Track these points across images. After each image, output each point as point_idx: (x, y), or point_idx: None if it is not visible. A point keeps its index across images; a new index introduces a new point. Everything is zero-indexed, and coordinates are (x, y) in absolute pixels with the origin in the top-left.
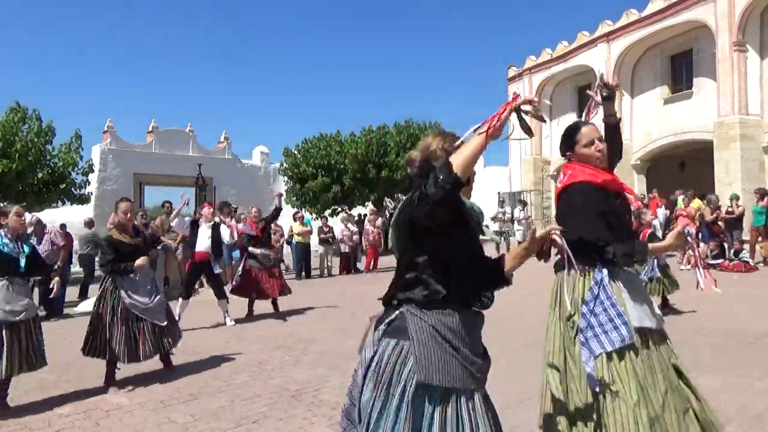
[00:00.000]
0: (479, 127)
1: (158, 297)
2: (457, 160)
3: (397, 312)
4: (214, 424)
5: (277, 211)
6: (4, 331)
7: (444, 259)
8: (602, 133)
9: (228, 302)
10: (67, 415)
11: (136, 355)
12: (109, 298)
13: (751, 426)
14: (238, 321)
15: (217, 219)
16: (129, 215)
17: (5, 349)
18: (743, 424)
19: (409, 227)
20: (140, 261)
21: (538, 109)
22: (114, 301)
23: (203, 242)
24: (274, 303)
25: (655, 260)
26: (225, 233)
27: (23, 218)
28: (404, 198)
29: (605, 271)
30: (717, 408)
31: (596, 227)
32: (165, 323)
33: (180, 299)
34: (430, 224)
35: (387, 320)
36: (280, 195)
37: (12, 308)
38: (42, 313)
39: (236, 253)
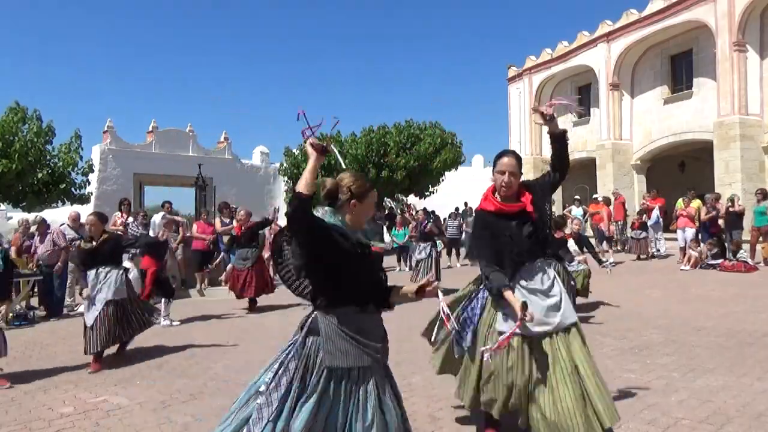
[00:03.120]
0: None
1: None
2: (300, 182)
3: (312, 315)
4: (214, 424)
5: (266, 221)
6: None
7: (327, 274)
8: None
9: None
10: (67, 415)
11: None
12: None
13: (751, 426)
14: (243, 320)
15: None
16: (90, 227)
17: None
18: (743, 424)
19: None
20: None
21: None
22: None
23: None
24: (251, 302)
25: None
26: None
27: None
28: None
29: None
30: (717, 408)
31: (483, 251)
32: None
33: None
34: (298, 244)
35: (305, 322)
36: (276, 210)
37: None
38: (41, 313)
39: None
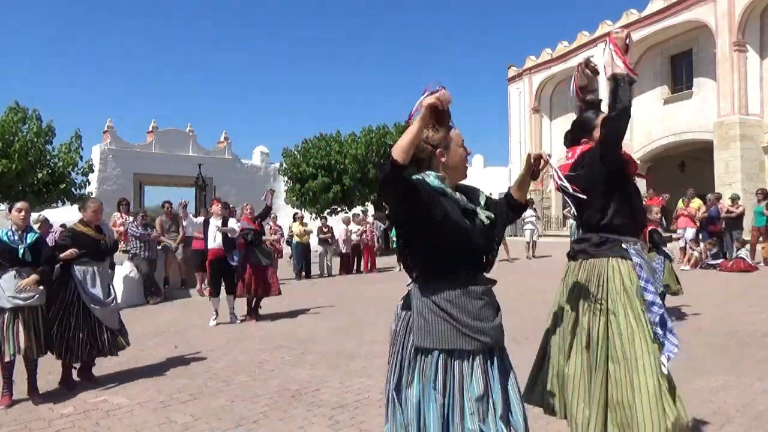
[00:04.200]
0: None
1: (114, 302)
2: (396, 145)
3: (409, 288)
4: (214, 424)
5: (267, 209)
6: (10, 316)
7: (426, 242)
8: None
9: (235, 299)
10: (67, 415)
11: (89, 356)
12: (67, 295)
13: (751, 426)
14: (243, 320)
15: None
16: (98, 215)
17: (12, 332)
18: (743, 424)
19: (395, 216)
20: (29, 279)
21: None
22: (70, 299)
23: (217, 239)
24: (256, 302)
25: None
26: (233, 224)
27: (22, 213)
28: None
29: (633, 250)
30: (717, 408)
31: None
32: (117, 326)
33: (210, 298)
34: (392, 210)
35: (404, 295)
36: (272, 192)
37: (19, 295)
38: None
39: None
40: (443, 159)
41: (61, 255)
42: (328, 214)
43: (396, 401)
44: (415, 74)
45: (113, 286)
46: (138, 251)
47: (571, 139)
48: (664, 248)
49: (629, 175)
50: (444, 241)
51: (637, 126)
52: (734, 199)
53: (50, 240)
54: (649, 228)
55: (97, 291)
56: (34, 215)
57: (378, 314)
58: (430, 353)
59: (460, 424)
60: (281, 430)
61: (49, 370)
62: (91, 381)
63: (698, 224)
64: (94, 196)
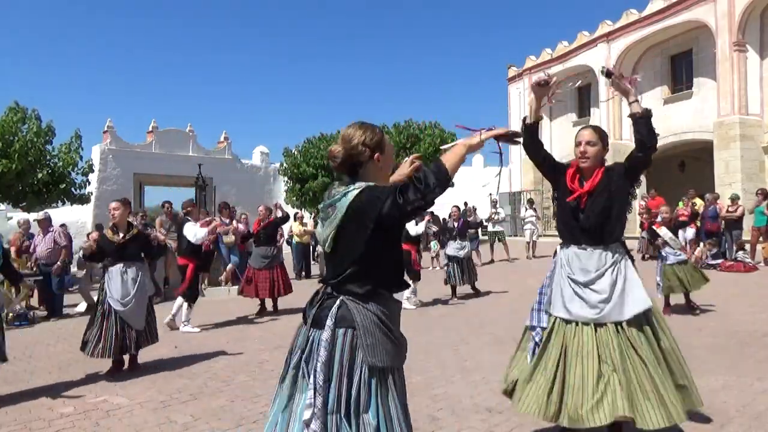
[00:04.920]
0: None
1: (137, 299)
2: (449, 164)
3: (338, 301)
4: (214, 424)
5: (286, 217)
6: None
7: (387, 254)
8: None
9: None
10: (67, 415)
11: (113, 350)
12: (100, 294)
13: (751, 426)
14: (243, 320)
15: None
16: (119, 210)
17: None
18: (743, 424)
19: (374, 223)
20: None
21: (516, 139)
22: (103, 297)
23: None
24: (274, 302)
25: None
26: (189, 231)
27: None
28: (340, 192)
29: (561, 251)
30: (717, 408)
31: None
32: (142, 327)
33: (187, 304)
34: (404, 219)
35: (332, 312)
36: (278, 205)
37: None
38: (42, 313)
39: (234, 258)
40: (380, 163)
41: (81, 253)
42: None
43: (348, 428)
44: (415, 74)
45: (144, 286)
46: None
47: None
48: (663, 250)
49: (571, 185)
50: (396, 255)
51: None
52: (734, 199)
53: (49, 239)
54: (653, 228)
55: (118, 290)
56: (32, 215)
57: None
58: (387, 372)
59: None
60: None
61: (50, 370)
62: (135, 369)
63: (698, 224)
64: (94, 196)
